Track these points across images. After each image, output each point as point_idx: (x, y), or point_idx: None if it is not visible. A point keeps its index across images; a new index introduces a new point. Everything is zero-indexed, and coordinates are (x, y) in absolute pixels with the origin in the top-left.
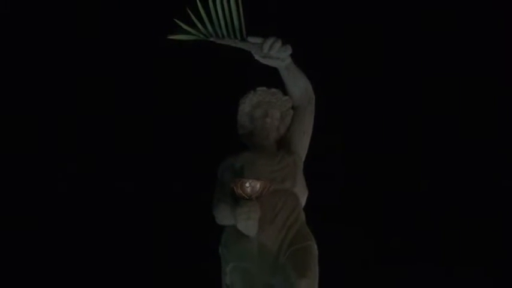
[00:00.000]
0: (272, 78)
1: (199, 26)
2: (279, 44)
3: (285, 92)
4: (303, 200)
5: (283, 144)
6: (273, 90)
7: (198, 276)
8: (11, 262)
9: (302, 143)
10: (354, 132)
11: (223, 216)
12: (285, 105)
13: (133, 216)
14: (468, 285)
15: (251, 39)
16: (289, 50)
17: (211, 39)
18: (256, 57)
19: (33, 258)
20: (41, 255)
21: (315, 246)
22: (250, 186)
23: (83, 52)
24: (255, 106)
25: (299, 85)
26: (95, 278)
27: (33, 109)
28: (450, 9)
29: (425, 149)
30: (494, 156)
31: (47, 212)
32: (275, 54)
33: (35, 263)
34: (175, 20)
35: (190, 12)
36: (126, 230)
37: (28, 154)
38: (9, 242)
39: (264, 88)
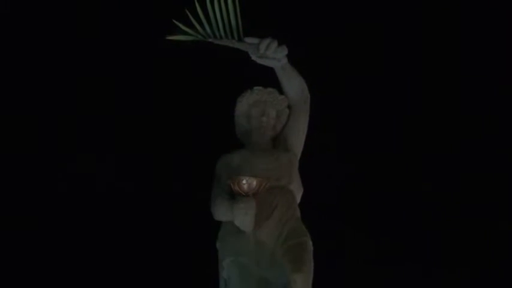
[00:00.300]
0: (269, 78)
1: (198, 27)
2: (275, 44)
3: (281, 92)
4: (298, 197)
5: (279, 142)
6: (270, 89)
7: (196, 271)
8: (11, 262)
9: (297, 141)
10: (348, 131)
11: (221, 212)
12: (281, 104)
13: (133, 216)
14: (454, 285)
15: (248, 40)
16: (285, 50)
17: (209, 39)
18: (253, 57)
19: (33, 258)
20: (41, 255)
21: (310, 242)
22: (247, 183)
23: (82, 52)
24: (252, 105)
25: (295, 84)
26: (96, 278)
27: (33, 109)
28: (443, 9)
29: (416, 151)
30: (482, 158)
31: (47, 212)
32: (271, 54)
33: (35, 262)
34: (174, 21)
35: (188, 14)
36: (126, 230)
37: (28, 154)
38: (9, 242)
39: (261, 87)
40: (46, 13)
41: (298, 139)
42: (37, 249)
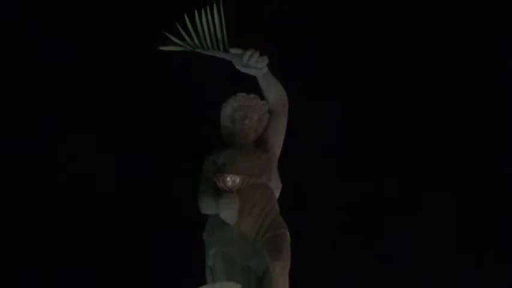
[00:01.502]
0: (251, 85)
1: (187, 38)
2: (257, 55)
3: (262, 97)
4: (277, 193)
5: (260, 143)
6: (252, 95)
7: (189, 264)
8: (12, 262)
9: (277, 142)
10: (325, 132)
11: (207, 206)
12: (262, 108)
13: (133, 216)
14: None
15: (233, 51)
16: (266, 60)
17: (198, 50)
18: (237, 66)
19: (34, 257)
20: (42, 254)
21: (288, 234)
22: (231, 180)
23: (81, 55)
24: (236, 109)
25: (274, 91)
26: (96, 277)
27: (34, 109)
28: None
29: (389, 148)
30: (471, 155)
31: (47, 211)
32: (254, 64)
33: (35, 262)
34: (166, 33)
35: (179, 26)
36: (126, 229)
37: (28, 154)
38: (10, 242)
39: (244, 94)
40: (44, 23)
41: (277, 140)
42: (37, 248)
